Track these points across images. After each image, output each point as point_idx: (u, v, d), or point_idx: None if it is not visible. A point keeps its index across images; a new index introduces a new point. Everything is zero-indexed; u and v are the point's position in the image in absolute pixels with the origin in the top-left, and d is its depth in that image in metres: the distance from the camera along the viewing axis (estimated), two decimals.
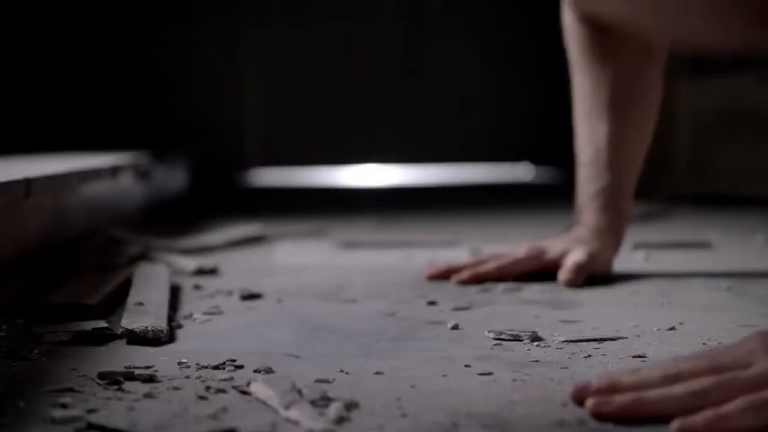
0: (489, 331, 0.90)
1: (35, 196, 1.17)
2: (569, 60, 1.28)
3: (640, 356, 0.82)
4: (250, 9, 3.69)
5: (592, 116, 1.25)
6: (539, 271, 1.22)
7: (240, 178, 3.61)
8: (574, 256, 1.21)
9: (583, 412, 0.65)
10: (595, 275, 1.20)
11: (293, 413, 0.63)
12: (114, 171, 1.65)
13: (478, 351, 0.84)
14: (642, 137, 1.27)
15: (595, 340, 0.88)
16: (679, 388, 0.65)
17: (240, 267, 1.37)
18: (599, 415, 0.64)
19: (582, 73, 1.26)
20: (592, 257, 1.21)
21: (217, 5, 3.50)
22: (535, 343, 0.87)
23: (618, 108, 1.24)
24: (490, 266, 1.22)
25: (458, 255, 1.43)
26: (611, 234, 1.25)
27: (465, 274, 1.20)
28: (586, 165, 1.25)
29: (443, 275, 1.23)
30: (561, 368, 0.78)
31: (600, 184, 1.24)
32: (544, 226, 2.02)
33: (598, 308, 1.05)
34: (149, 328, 0.87)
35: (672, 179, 2.67)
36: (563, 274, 1.18)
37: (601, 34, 1.23)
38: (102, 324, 0.91)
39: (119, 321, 0.91)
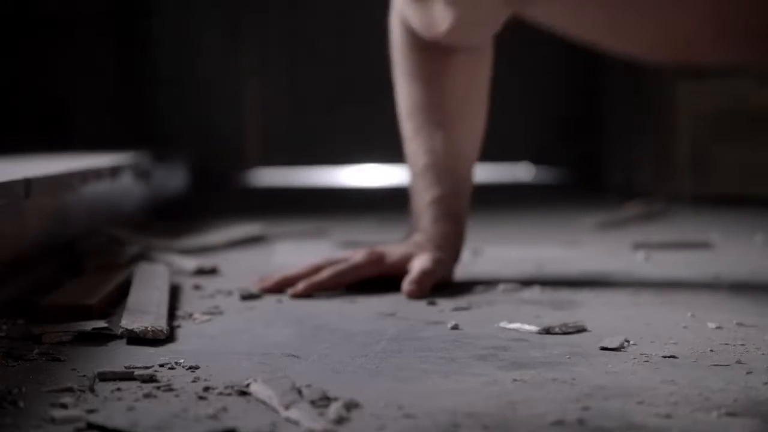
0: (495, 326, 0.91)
1: (35, 196, 1.17)
2: (396, 71, 1.28)
3: (640, 355, 0.82)
4: (249, 11, 3.69)
5: (428, 126, 1.24)
6: (379, 277, 1.17)
7: (240, 178, 3.61)
8: (420, 263, 1.16)
9: (583, 413, 0.65)
10: (438, 283, 1.15)
11: (293, 413, 0.63)
12: (114, 171, 1.65)
13: (478, 351, 0.84)
14: (476, 145, 1.27)
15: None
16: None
17: (240, 267, 1.37)
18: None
19: (415, 84, 1.25)
20: (437, 264, 1.16)
21: (217, 4, 3.50)
22: (536, 343, 0.87)
23: (455, 118, 1.24)
24: (325, 274, 1.14)
25: None
26: (451, 241, 1.21)
27: (300, 287, 1.12)
28: (421, 174, 1.23)
29: (277, 288, 1.14)
30: (561, 368, 0.78)
31: (438, 192, 1.22)
32: (545, 225, 2.02)
33: (598, 308, 1.05)
34: (149, 328, 0.87)
35: (672, 179, 2.67)
36: (408, 283, 1.12)
37: (433, 48, 1.24)
38: (102, 324, 0.91)
39: (119, 321, 0.91)
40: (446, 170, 1.23)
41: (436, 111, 1.24)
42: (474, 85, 1.27)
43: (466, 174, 1.26)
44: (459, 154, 1.25)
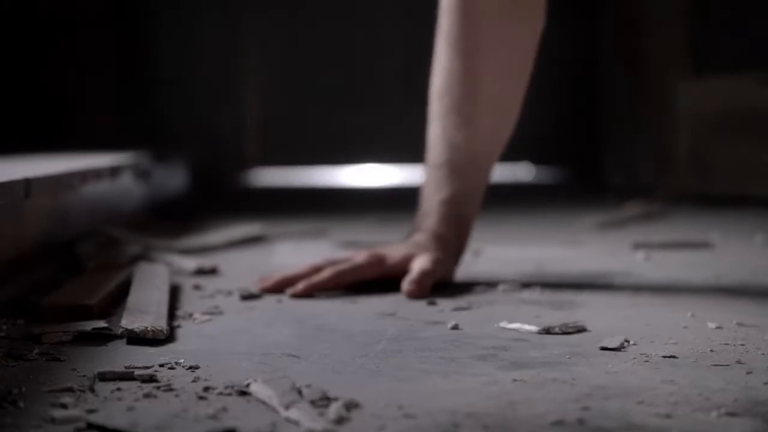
0: (495, 327, 0.91)
1: (35, 196, 1.17)
2: (438, 40, 1.21)
3: (640, 355, 0.82)
4: (249, 11, 3.69)
5: (456, 115, 1.20)
6: (380, 278, 1.16)
7: (240, 178, 3.61)
8: (420, 263, 1.15)
9: (583, 413, 0.65)
10: (438, 283, 1.15)
11: (293, 413, 0.63)
12: (114, 171, 1.65)
13: (478, 351, 0.84)
14: (502, 143, 1.24)
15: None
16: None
17: (240, 267, 1.37)
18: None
19: (453, 55, 1.20)
20: (437, 264, 1.15)
21: (218, 4, 3.50)
22: (536, 343, 0.87)
23: (486, 109, 1.20)
24: (326, 274, 1.13)
25: None
26: (455, 242, 1.20)
27: (300, 287, 1.12)
28: (437, 167, 1.20)
29: (277, 288, 1.13)
30: (561, 368, 0.78)
31: (451, 190, 1.19)
32: (545, 225, 2.02)
33: (598, 308, 1.05)
34: (149, 328, 0.87)
35: (672, 179, 2.67)
36: (408, 283, 1.11)
37: (485, 25, 1.19)
38: (102, 324, 0.91)
39: (119, 321, 0.91)
40: (464, 169, 1.20)
41: (469, 98, 1.19)
42: (515, 68, 1.22)
43: (484, 173, 1.23)
44: (481, 153, 1.22)
